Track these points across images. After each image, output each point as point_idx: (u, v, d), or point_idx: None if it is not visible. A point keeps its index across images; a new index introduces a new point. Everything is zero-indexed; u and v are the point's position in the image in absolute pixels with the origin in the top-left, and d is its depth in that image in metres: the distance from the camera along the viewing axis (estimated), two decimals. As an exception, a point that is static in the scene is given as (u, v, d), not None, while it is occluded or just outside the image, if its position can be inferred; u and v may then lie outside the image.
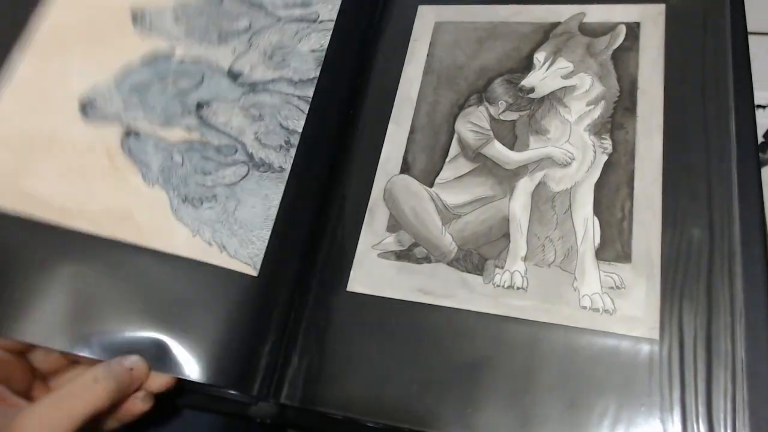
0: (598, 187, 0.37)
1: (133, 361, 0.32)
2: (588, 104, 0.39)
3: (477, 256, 0.36)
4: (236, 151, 0.40)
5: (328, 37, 0.45)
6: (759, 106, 0.63)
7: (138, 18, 0.42)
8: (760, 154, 0.50)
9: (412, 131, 0.41)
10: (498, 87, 0.41)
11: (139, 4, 0.42)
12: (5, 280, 0.33)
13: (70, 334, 0.32)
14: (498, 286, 0.35)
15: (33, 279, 0.33)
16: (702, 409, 0.30)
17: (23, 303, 0.32)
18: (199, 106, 0.40)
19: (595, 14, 0.42)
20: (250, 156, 0.40)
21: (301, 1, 0.46)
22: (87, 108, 0.38)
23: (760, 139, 0.51)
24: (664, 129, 0.37)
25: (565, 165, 0.38)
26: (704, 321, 0.32)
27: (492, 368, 0.33)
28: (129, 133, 0.38)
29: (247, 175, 0.39)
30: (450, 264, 0.36)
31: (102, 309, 0.33)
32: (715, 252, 0.33)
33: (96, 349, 0.32)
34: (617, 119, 0.38)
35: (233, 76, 0.42)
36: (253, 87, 0.42)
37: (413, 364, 0.34)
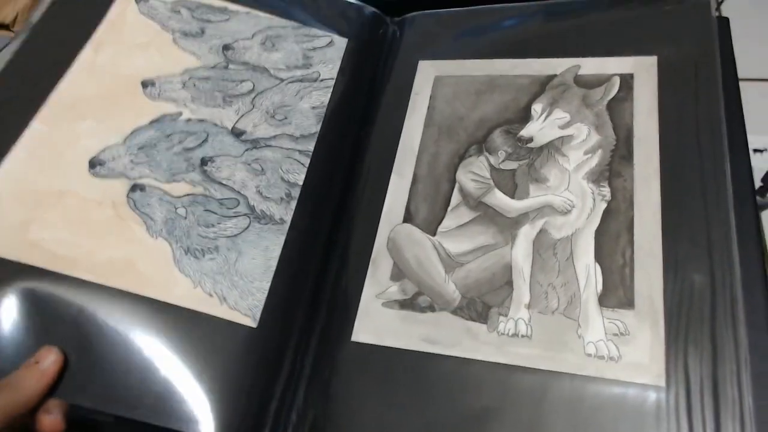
0: (599, 234, 0.37)
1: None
2: (585, 153, 0.40)
3: (481, 304, 0.37)
4: (238, 203, 0.41)
5: (329, 95, 0.46)
6: (756, 151, 0.64)
7: (148, 86, 0.44)
8: (759, 198, 0.51)
9: (414, 181, 0.42)
10: (497, 137, 0.42)
11: (149, 74, 0.44)
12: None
13: (69, 383, 0.32)
14: (502, 334, 0.35)
15: (36, 327, 0.34)
16: (712, 458, 0.30)
17: (23, 349, 0.33)
18: (203, 161, 0.42)
19: (590, 66, 0.43)
20: (252, 208, 0.41)
21: (302, 63, 0.48)
22: (96, 165, 0.40)
23: (759, 183, 0.52)
24: (660, 176, 0.38)
25: (566, 213, 0.38)
26: (710, 367, 0.32)
27: (499, 419, 0.33)
28: (135, 187, 0.40)
29: (248, 227, 0.40)
30: (454, 312, 0.36)
31: (102, 359, 0.34)
32: (717, 297, 0.33)
33: (94, 399, 0.32)
34: (615, 167, 0.39)
35: (237, 134, 0.44)
36: (255, 143, 0.44)
37: (419, 415, 0.34)
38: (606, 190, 0.38)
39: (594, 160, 0.40)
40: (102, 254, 0.37)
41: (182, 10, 0.48)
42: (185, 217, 0.39)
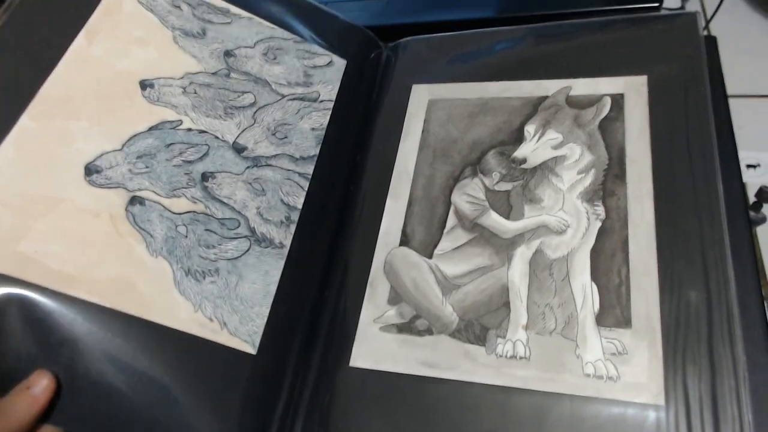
0: (594, 253, 0.37)
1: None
2: (579, 173, 0.40)
3: (478, 327, 0.37)
4: (239, 224, 0.40)
5: (328, 117, 0.47)
6: (750, 166, 0.64)
7: (146, 87, 0.42)
8: (753, 213, 0.51)
9: (410, 204, 0.42)
10: (491, 159, 0.43)
11: (148, 74, 0.42)
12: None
13: (63, 409, 0.32)
14: (501, 356, 0.35)
15: (25, 347, 0.32)
16: (714, 478, 0.30)
17: (15, 372, 0.31)
18: (204, 177, 0.41)
19: (581, 87, 0.44)
20: (252, 230, 0.40)
21: (303, 80, 0.48)
22: (93, 172, 0.38)
23: (752, 199, 0.52)
24: (654, 194, 0.38)
25: (561, 232, 0.38)
26: (709, 385, 0.32)
27: None
28: (134, 201, 0.38)
29: (248, 250, 0.39)
30: (452, 335, 0.37)
31: (98, 383, 0.33)
32: (713, 314, 0.33)
33: (88, 425, 0.32)
34: (608, 186, 0.39)
35: (238, 149, 0.43)
36: (256, 161, 0.43)
37: None
38: (600, 209, 0.39)
39: (587, 180, 0.40)
40: (100, 272, 0.35)
41: (183, 5, 0.46)
42: (186, 236, 0.38)
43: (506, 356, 0.35)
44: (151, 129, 0.40)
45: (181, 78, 0.43)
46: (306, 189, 0.43)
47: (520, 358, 0.35)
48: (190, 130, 0.42)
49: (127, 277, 0.35)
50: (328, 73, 0.49)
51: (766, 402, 0.32)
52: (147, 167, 0.39)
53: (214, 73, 0.45)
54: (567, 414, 0.32)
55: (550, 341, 0.35)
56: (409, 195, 0.43)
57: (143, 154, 0.40)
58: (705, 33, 0.46)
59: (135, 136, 0.40)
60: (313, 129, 0.46)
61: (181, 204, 0.39)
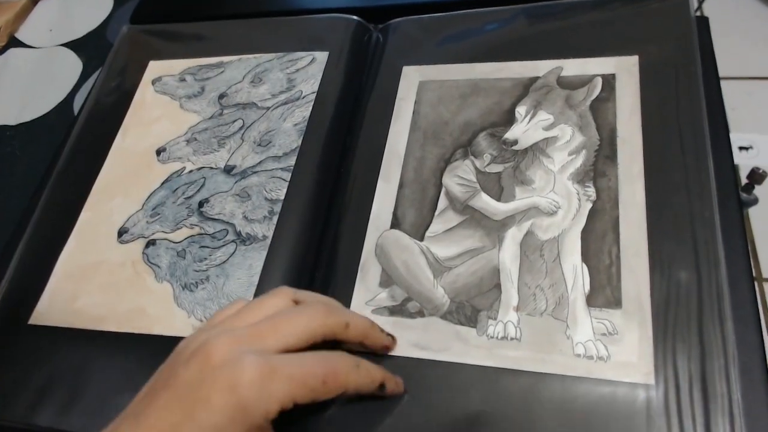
0: (585, 234, 0.37)
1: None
2: (570, 154, 0.40)
3: (470, 308, 0.37)
4: (227, 233, 0.42)
5: (310, 109, 0.47)
6: (742, 148, 0.64)
7: (161, 153, 0.49)
8: (745, 195, 0.51)
9: (400, 186, 0.42)
10: (482, 140, 0.43)
11: (161, 143, 0.49)
12: (58, 383, 0.39)
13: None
14: (492, 337, 0.35)
15: (74, 377, 0.39)
16: (703, 455, 0.30)
17: (70, 399, 0.38)
18: (200, 204, 0.45)
19: (572, 68, 0.44)
20: (238, 234, 0.42)
21: (287, 87, 0.49)
22: (122, 233, 0.45)
23: (744, 181, 0.52)
24: (645, 175, 0.38)
25: (551, 214, 0.38)
26: (698, 364, 0.32)
27: (490, 422, 0.32)
28: (149, 244, 0.44)
29: (234, 251, 0.41)
30: (443, 317, 0.36)
31: (112, 394, 0.37)
32: (703, 295, 0.33)
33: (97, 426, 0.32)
34: (599, 167, 0.39)
35: (228, 170, 0.46)
36: (243, 174, 0.45)
37: (410, 420, 0.33)
38: (591, 191, 0.38)
39: (578, 161, 0.40)
40: (122, 306, 0.41)
41: (187, 77, 0.53)
42: (184, 258, 0.42)
43: (497, 337, 0.35)
44: (162, 184, 0.47)
45: (185, 133, 0.49)
46: (288, 180, 0.44)
47: (511, 339, 0.35)
48: (190, 172, 0.47)
49: (140, 306, 0.41)
50: (311, 70, 0.50)
51: (756, 382, 0.32)
52: (159, 214, 0.45)
53: (210, 118, 0.50)
54: (558, 394, 0.32)
55: (541, 322, 0.35)
56: (400, 177, 0.43)
57: (157, 205, 0.46)
58: (698, 14, 0.46)
59: (152, 194, 0.46)
60: (295, 125, 0.47)
61: (182, 233, 0.44)
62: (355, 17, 0.52)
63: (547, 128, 0.41)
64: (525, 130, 0.42)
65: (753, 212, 0.60)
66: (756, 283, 0.38)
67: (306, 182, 0.44)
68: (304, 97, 0.48)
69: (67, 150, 0.51)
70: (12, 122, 0.61)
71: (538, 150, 0.41)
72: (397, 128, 0.45)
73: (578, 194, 0.39)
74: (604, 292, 0.35)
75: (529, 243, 0.38)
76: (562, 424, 0.32)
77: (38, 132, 0.60)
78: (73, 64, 0.66)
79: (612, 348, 0.33)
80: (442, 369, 0.35)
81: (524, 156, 0.41)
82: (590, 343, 0.34)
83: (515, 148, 0.41)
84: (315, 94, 0.48)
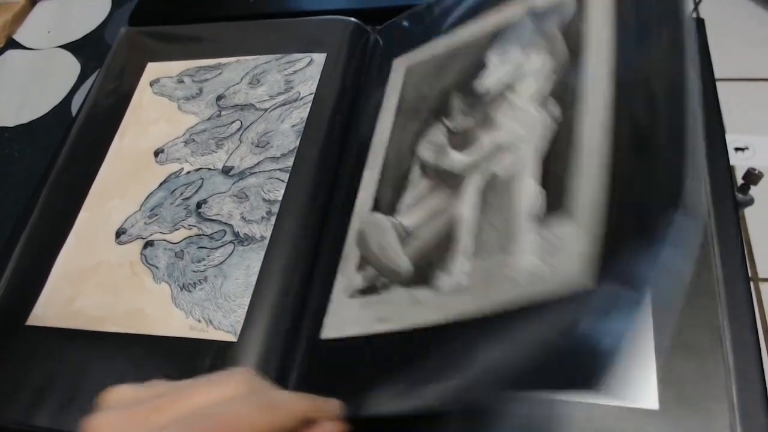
0: (545, 157, 0.34)
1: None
2: (536, 80, 0.37)
3: (428, 269, 0.35)
4: (225, 234, 0.43)
5: (308, 111, 0.48)
6: (738, 149, 0.65)
7: (158, 154, 0.49)
8: (741, 195, 0.52)
9: (383, 171, 0.41)
10: (453, 100, 0.41)
11: (159, 144, 0.49)
12: (56, 383, 0.38)
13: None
14: (446, 294, 0.33)
15: (72, 378, 0.38)
16: None
17: (69, 399, 0.38)
18: (198, 205, 0.45)
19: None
20: (236, 234, 0.42)
21: (285, 88, 0.50)
22: (120, 234, 0.45)
23: (740, 181, 0.52)
24: (613, 95, 0.33)
25: (514, 148, 0.35)
26: (695, 364, 0.32)
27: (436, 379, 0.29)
28: (146, 245, 0.44)
29: (232, 252, 0.42)
30: (404, 284, 0.35)
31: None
32: (699, 294, 0.33)
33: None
34: (566, 86, 0.35)
35: (226, 171, 0.46)
36: (241, 175, 0.45)
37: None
38: (556, 110, 0.35)
39: (545, 84, 0.36)
40: (120, 307, 0.41)
41: (185, 79, 0.53)
42: (182, 259, 0.42)
43: (449, 291, 0.33)
44: (160, 185, 0.47)
45: (183, 134, 0.49)
46: (286, 181, 0.44)
47: (462, 288, 0.32)
48: (188, 173, 0.47)
49: (139, 307, 0.41)
50: (309, 71, 0.50)
51: (752, 382, 0.32)
52: (157, 215, 0.45)
53: (208, 119, 0.50)
54: (506, 330, 0.29)
55: (491, 263, 0.32)
56: (383, 163, 0.42)
57: (155, 206, 0.46)
58: (694, 15, 0.46)
59: (150, 195, 0.46)
60: (293, 126, 0.47)
61: (179, 234, 0.44)
62: (353, 19, 0.53)
63: (518, 65, 0.39)
64: (496, 75, 0.39)
65: (749, 213, 0.60)
66: (752, 284, 0.38)
67: (303, 183, 0.44)
68: (301, 99, 0.49)
69: (65, 151, 0.51)
70: (10, 124, 0.62)
71: (507, 89, 0.38)
72: (383, 118, 0.44)
73: (542, 118, 0.35)
74: (556, 211, 0.31)
75: (491, 186, 0.35)
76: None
77: (36, 133, 0.60)
78: (71, 66, 0.66)
79: (553, 260, 0.29)
80: (400, 338, 0.33)
81: (494, 101, 0.39)
82: (535, 261, 0.30)
83: (487, 94, 0.39)
84: (313, 95, 0.48)
